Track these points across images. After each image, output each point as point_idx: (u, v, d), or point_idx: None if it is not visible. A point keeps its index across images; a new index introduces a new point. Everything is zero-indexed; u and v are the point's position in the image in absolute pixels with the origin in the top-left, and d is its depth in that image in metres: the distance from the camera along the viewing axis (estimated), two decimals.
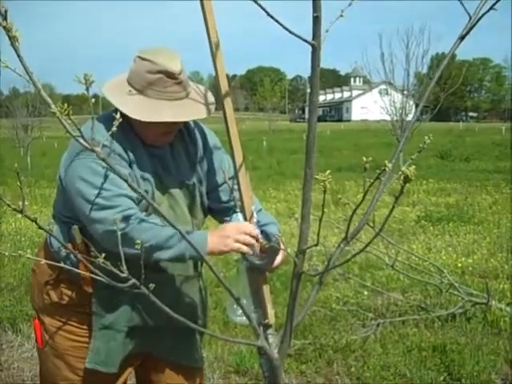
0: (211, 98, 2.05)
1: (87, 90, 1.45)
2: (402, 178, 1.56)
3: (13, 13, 1.33)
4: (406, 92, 19.73)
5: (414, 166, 1.52)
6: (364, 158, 1.56)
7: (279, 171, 18.12)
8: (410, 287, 5.57)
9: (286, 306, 4.85)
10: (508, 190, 12.56)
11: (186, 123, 2.17)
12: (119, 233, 1.76)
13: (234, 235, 1.92)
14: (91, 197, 1.88)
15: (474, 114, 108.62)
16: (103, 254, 1.58)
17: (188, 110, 1.97)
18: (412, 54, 19.86)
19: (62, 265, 1.76)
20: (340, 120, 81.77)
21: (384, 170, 1.61)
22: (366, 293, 5.36)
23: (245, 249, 1.92)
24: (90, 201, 1.87)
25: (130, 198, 1.92)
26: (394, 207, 1.60)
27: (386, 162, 1.61)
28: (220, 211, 2.23)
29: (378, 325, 4.54)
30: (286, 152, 26.03)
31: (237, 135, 1.91)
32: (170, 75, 1.93)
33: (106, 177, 1.87)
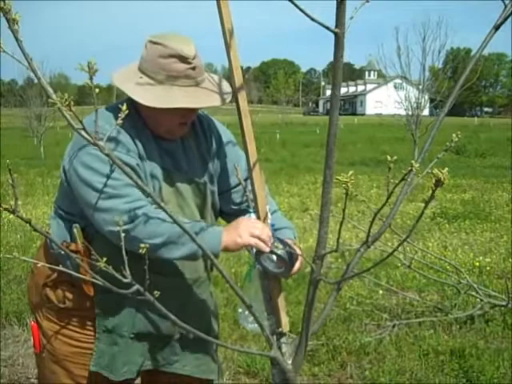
0: (227, 87, 1.91)
1: (91, 78, 1.35)
2: (433, 180, 1.43)
3: None
4: (420, 87, 19.44)
5: (446, 169, 1.40)
6: (388, 157, 1.44)
7: (292, 164, 17.91)
8: (426, 287, 5.40)
9: (297, 305, 4.69)
10: None
11: (198, 117, 2.05)
12: (128, 226, 1.69)
13: (248, 229, 1.79)
14: (98, 185, 1.75)
15: (489, 110, 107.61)
16: (104, 259, 1.48)
17: (203, 97, 1.84)
18: (428, 48, 19.60)
19: (61, 268, 1.63)
20: (354, 114, 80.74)
21: (410, 170, 1.50)
22: (380, 292, 5.19)
23: (261, 245, 1.79)
24: (97, 189, 1.75)
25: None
26: (423, 213, 1.49)
27: (413, 161, 1.49)
28: (232, 214, 2.08)
29: (393, 326, 4.37)
30: (299, 145, 25.78)
31: (251, 131, 1.78)
32: (184, 59, 1.81)
33: (113, 166, 1.74)
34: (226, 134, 2.12)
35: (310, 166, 16.94)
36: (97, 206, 1.75)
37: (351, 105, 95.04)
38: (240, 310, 1.93)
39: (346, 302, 4.94)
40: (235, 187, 2.08)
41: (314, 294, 1.63)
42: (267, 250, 1.79)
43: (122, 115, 1.44)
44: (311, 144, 25.21)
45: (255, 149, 1.79)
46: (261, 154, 1.77)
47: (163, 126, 1.91)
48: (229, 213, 2.11)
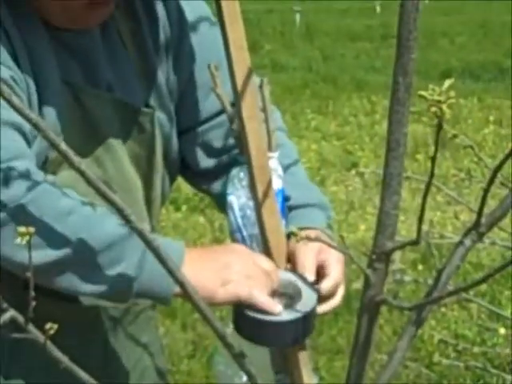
0: None
1: None
2: None
3: None
4: None
5: None
6: None
7: (326, 75, 15.55)
8: None
9: (334, 355, 4.40)
10: None
11: None
12: None
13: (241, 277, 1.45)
14: None
15: None
16: None
17: None
18: None
19: None
20: None
21: None
22: (502, 331, 4.63)
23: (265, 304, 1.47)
24: None
25: (19, 129, 1.46)
26: None
27: None
28: (206, 174, 1.78)
29: None
30: (340, 37, 22.42)
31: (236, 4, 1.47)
32: None
33: None
34: (195, 5, 1.77)
35: (361, 78, 14.76)
36: None
37: None
38: (220, 367, 1.63)
39: (432, 350, 4.45)
40: (215, 117, 1.73)
41: (371, 332, 1.41)
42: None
43: None
44: (364, 35, 21.42)
45: (243, 33, 1.42)
46: (264, 55, 1.40)
47: (59, 9, 1.61)
48: (200, 171, 1.79)
